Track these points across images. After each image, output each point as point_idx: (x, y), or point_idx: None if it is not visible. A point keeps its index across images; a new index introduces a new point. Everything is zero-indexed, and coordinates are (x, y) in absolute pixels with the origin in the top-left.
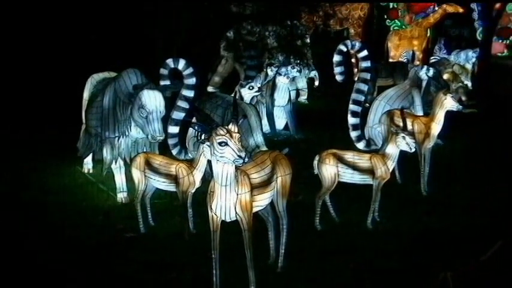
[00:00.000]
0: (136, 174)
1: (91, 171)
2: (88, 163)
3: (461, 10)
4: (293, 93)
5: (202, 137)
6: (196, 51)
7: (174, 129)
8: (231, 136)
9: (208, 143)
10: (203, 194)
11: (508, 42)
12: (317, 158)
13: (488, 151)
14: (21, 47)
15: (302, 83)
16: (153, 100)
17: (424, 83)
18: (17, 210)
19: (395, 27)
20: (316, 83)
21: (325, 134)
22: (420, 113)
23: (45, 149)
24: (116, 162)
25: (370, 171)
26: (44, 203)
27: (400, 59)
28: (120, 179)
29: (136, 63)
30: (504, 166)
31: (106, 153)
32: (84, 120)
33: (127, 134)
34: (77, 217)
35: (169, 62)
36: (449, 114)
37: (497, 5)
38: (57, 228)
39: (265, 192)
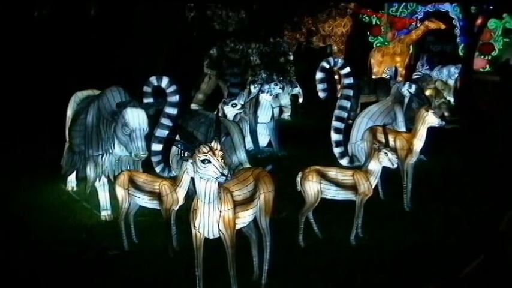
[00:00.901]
0: (120, 191)
1: (74, 189)
2: (71, 181)
3: (443, 26)
4: (276, 110)
5: (186, 155)
6: (180, 69)
7: (157, 147)
8: (214, 154)
9: (191, 161)
10: (186, 211)
11: (489, 57)
12: (300, 174)
13: (471, 167)
14: (2, 64)
15: (285, 100)
16: (136, 118)
17: (406, 99)
18: None
19: (378, 44)
20: (301, 99)
21: (308, 150)
22: (403, 129)
23: (29, 166)
24: (99, 180)
25: (353, 188)
26: (27, 220)
27: (382, 76)
28: (103, 197)
29: (120, 81)
30: (486, 182)
31: (89, 171)
32: (67, 138)
33: (110, 151)
34: (61, 235)
35: (153, 79)
36: (431, 130)
37: (479, 21)
38: (40, 245)
39: (248, 209)
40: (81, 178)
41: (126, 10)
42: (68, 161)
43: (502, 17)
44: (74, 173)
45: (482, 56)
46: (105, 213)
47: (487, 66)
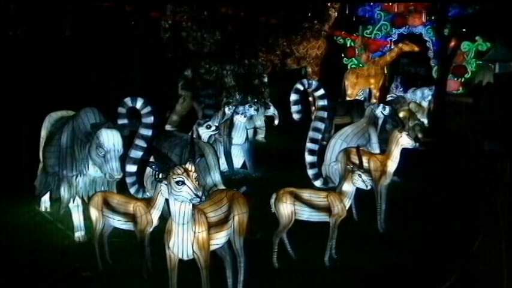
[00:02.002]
0: (94, 213)
1: (48, 209)
2: (45, 201)
3: (417, 49)
4: (250, 132)
5: (160, 176)
6: (154, 90)
7: (132, 168)
8: (188, 175)
9: (165, 182)
10: (161, 232)
11: (463, 80)
12: (274, 196)
13: (444, 187)
14: None
15: (260, 122)
16: (111, 139)
17: (380, 121)
18: None
19: (353, 66)
20: (276, 121)
21: (283, 172)
22: (377, 151)
23: (2, 187)
24: (73, 200)
25: (327, 209)
26: (0, 241)
27: (357, 97)
28: (77, 218)
29: (94, 102)
30: (459, 202)
31: (64, 191)
32: (41, 159)
33: (85, 172)
34: (34, 256)
35: (127, 100)
36: (405, 152)
37: (452, 44)
38: (13, 267)
39: (222, 230)
40: (55, 199)
41: (101, 31)
42: (42, 181)
43: (474, 40)
44: (48, 193)
45: (456, 78)
46: (79, 235)
47: (460, 88)
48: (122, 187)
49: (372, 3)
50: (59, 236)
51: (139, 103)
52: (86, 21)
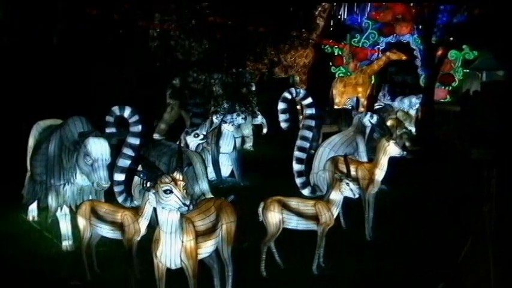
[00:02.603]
0: (81, 221)
1: (36, 218)
2: (33, 210)
3: (404, 57)
4: (238, 141)
5: (148, 185)
6: (143, 99)
7: (119, 177)
8: (176, 184)
9: (153, 191)
10: (149, 241)
11: (450, 88)
12: (262, 204)
13: (432, 196)
14: None
15: (247, 130)
16: (98, 148)
17: (368, 130)
18: None
19: (340, 74)
20: (265, 130)
21: (271, 180)
22: (364, 159)
23: None
24: (61, 209)
25: (315, 218)
26: None
27: (344, 106)
28: (65, 227)
29: (82, 111)
30: (447, 211)
31: (51, 200)
32: (29, 168)
33: (72, 181)
34: (21, 265)
35: (115, 109)
36: (392, 160)
37: (439, 52)
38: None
39: (210, 239)
40: (43, 208)
41: (89, 40)
42: (29, 190)
43: (461, 49)
44: (35, 202)
45: (443, 87)
46: (67, 243)
47: (448, 97)
48: (109, 196)
49: (359, 13)
50: (46, 245)
51: (127, 112)
52: (74, 30)
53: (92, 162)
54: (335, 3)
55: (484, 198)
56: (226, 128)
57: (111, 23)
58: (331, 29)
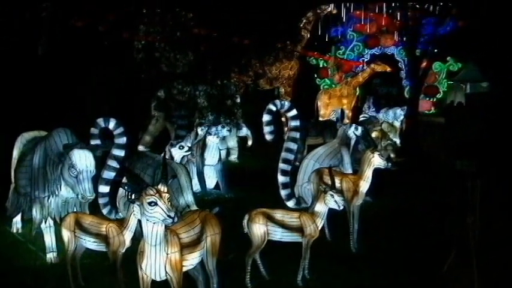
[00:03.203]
0: (66, 234)
1: (20, 230)
2: (17, 222)
3: (389, 69)
4: (223, 153)
5: (133, 197)
6: (127, 110)
7: (104, 189)
8: (161, 196)
9: (138, 203)
10: (133, 253)
11: (434, 100)
12: (247, 216)
13: (416, 207)
14: None
15: (232, 142)
16: (83, 159)
17: (352, 142)
18: None
19: (325, 86)
20: (250, 142)
21: (256, 192)
22: (349, 171)
23: None
24: (45, 221)
25: (300, 230)
26: None
27: (329, 118)
28: (49, 239)
29: (67, 122)
30: (432, 222)
31: (35, 212)
32: (13, 179)
33: (57, 193)
34: (6, 277)
35: (100, 121)
36: (377, 172)
37: (424, 64)
38: None
39: (195, 251)
40: (27, 220)
41: (74, 51)
42: (13, 202)
43: (446, 60)
44: (20, 214)
45: (427, 98)
46: (51, 256)
47: (432, 108)
48: (94, 208)
49: (343, 25)
50: (31, 258)
51: (111, 124)
52: (59, 41)
53: (76, 174)
54: (323, 13)
55: (468, 210)
56: (211, 140)
57: (97, 35)
58: (316, 41)
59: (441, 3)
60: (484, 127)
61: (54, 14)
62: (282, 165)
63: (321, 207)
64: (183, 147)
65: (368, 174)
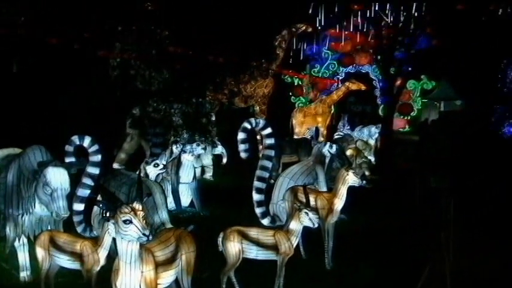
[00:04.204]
0: (40, 252)
1: None
2: None
3: (363, 87)
4: (198, 171)
5: (107, 215)
6: (102, 128)
7: (79, 207)
8: (136, 214)
9: (113, 221)
10: (108, 271)
11: (408, 118)
12: (221, 234)
13: (391, 224)
14: None
15: (207, 160)
16: (58, 177)
17: (327, 160)
18: None
19: (300, 104)
20: (224, 160)
21: (230, 210)
22: (324, 189)
23: None
24: (19, 239)
25: (274, 247)
26: None
27: (304, 136)
28: (23, 257)
29: (41, 140)
30: (406, 239)
31: (9, 230)
32: None
33: (31, 211)
34: None
35: (75, 138)
36: (352, 189)
37: (398, 82)
38: None
39: (169, 269)
40: (0, 238)
41: (49, 68)
42: None
43: (420, 79)
44: None
45: (402, 116)
46: (25, 274)
47: (406, 126)
48: (68, 226)
49: (318, 43)
50: (4, 276)
51: (86, 141)
52: (33, 59)
53: (51, 191)
54: (298, 31)
55: (442, 226)
56: (186, 158)
57: (72, 52)
58: (291, 59)
59: (415, 22)
60: (458, 144)
61: (30, 31)
62: (256, 183)
63: (295, 225)
64: (158, 165)
65: (342, 192)
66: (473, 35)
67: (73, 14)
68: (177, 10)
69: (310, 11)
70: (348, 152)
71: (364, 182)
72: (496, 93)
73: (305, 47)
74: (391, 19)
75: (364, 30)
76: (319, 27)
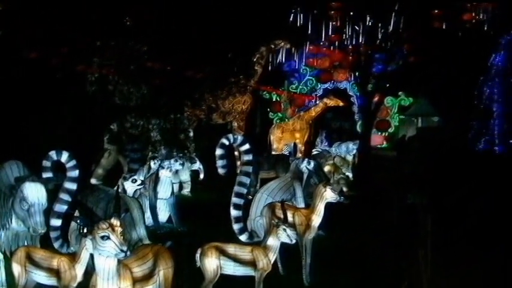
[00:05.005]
0: (16, 268)
1: None
2: None
3: (341, 104)
4: (176, 186)
5: (85, 231)
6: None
7: (56, 222)
8: (113, 230)
9: (90, 237)
10: None
11: (386, 134)
12: (199, 250)
13: (369, 241)
14: None
15: (185, 176)
16: (35, 192)
17: (305, 176)
18: None
19: (278, 120)
20: (201, 175)
21: (208, 226)
22: (301, 205)
23: None
24: None
25: (252, 263)
26: None
27: (282, 152)
28: None
29: (18, 155)
30: (383, 255)
31: None
32: None
33: (7, 226)
34: None
35: (52, 154)
36: (330, 205)
37: (376, 99)
38: None
39: (147, 285)
40: None
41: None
42: None
43: (397, 95)
44: None
45: (379, 133)
46: None
47: (384, 143)
48: (45, 242)
49: (296, 60)
50: None
51: (64, 156)
52: (11, 73)
53: (28, 207)
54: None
55: (419, 243)
56: (164, 174)
57: (50, 67)
58: (269, 75)
59: (393, 39)
60: (435, 160)
61: (6, 46)
62: (234, 199)
63: (273, 241)
64: (135, 181)
65: (320, 208)
66: (450, 52)
67: (52, 29)
68: (155, 26)
69: (288, 27)
70: (326, 168)
71: (341, 198)
72: (473, 110)
73: (283, 63)
74: (369, 36)
75: (343, 46)
76: (298, 44)
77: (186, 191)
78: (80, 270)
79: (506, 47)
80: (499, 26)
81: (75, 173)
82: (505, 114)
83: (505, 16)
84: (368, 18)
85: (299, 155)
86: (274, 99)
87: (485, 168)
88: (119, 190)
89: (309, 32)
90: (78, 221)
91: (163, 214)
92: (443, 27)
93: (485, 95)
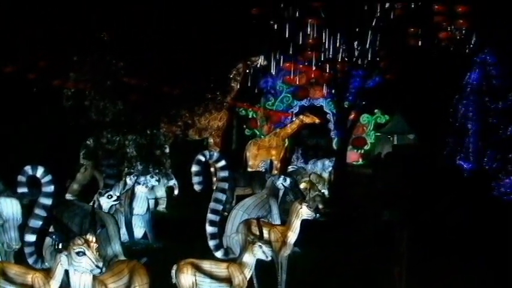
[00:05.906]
0: None
1: None
2: None
3: (317, 121)
4: (152, 202)
5: (60, 246)
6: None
7: (30, 238)
8: (89, 246)
9: (65, 253)
10: None
11: (362, 151)
12: (175, 267)
13: (344, 258)
14: None
15: (161, 192)
16: (9, 208)
17: (281, 192)
18: None
19: (251, 137)
20: (176, 191)
21: (184, 243)
22: (277, 222)
23: None
24: None
25: (228, 280)
26: None
27: (258, 169)
28: None
29: None
30: (359, 273)
31: None
32: None
33: None
34: None
35: (28, 169)
36: (305, 222)
37: (352, 116)
38: None
39: None
40: None
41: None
42: None
43: (373, 113)
44: None
45: (355, 150)
46: None
47: (360, 160)
48: (19, 257)
49: (272, 77)
50: None
51: (39, 171)
52: None
53: (2, 222)
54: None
55: (395, 260)
56: (140, 190)
57: (26, 82)
58: (246, 91)
59: (369, 56)
60: (411, 177)
61: None
62: (210, 216)
63: (249, 258)
64: (111, 197)
65: (296, 225)
66: (426, 70)
67: (28, 43)
68: (132, 41)
69: (265, 44)
70: (302, 185)
71: (317, 215)
72: (448, 127)
73: (260, 80)
74: (346, 53)
75: (319, 63)
76: (274, 61)
77: (162, 207)
78: (54, 286)
79: (480, 65)
80: (474, 45)
81: (51, 188)
82: (479, 132)
83: (480, 35)
84: (345, 35)
85: (275, 171)
86: (250, 116)
87: (460, 185)
88: (95, 206)
89: (286, 48)
90: (54, 236)
91: (139, 230)
92: (419, 44)
93: (460, 112)
